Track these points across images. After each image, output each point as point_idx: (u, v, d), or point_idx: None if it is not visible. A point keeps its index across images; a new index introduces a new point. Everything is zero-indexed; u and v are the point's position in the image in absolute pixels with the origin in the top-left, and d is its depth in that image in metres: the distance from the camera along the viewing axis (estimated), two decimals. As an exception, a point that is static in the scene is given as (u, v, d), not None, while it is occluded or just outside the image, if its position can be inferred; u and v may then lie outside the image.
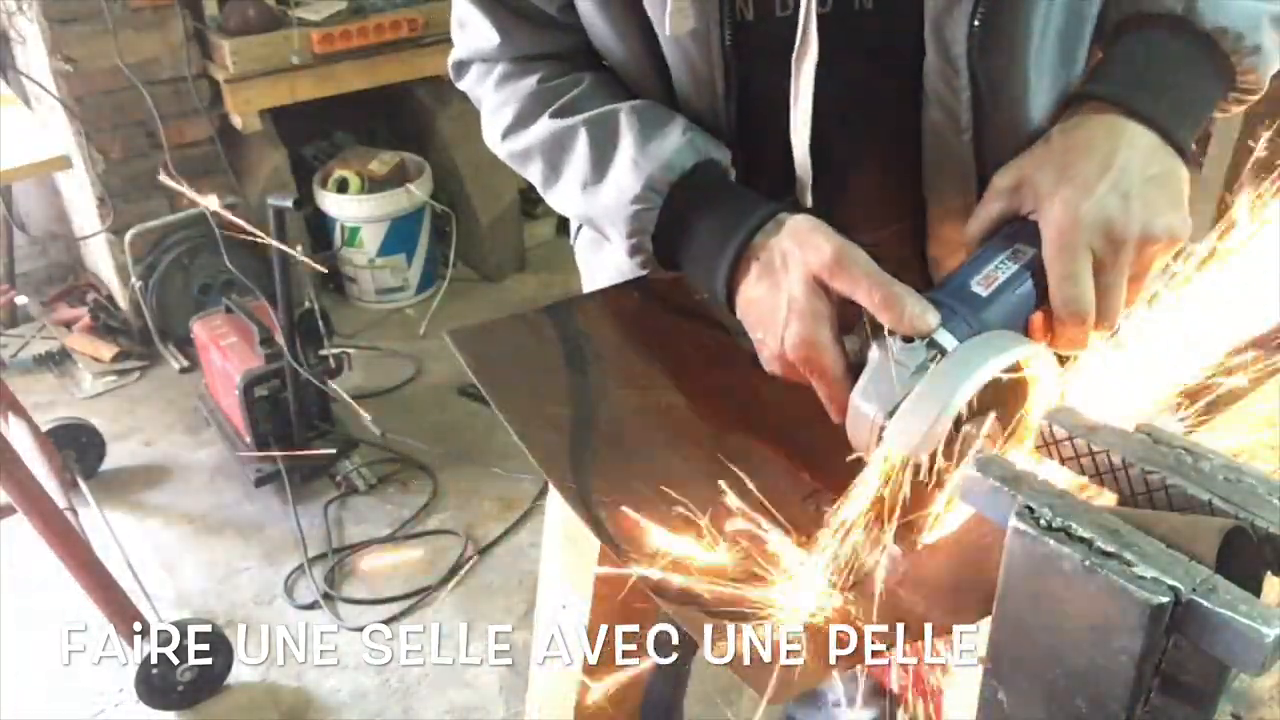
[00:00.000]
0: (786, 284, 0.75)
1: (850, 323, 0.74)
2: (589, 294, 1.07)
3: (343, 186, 3.20)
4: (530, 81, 0.94)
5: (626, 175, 0.84)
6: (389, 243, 3.25)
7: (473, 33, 0.97)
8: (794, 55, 0.80)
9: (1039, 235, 0.74)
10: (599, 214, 0.88)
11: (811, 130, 0.83)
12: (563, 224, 1.19)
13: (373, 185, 3.20)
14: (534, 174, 0.94)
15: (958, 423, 0.67)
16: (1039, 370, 0.69)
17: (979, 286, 0.72)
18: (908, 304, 0.69)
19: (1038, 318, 0.74)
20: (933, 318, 0.69)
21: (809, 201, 0.86)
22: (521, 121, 0.93)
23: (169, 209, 3.00)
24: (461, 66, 1.01)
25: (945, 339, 0.69)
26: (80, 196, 3.06)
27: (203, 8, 2.89)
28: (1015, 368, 0.68)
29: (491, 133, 0.98)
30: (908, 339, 0.69)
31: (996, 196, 0.78)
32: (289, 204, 2.29)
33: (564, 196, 0.92)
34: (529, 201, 3.58)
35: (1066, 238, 0.71)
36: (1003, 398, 0.69)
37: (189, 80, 2.90)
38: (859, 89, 0.85)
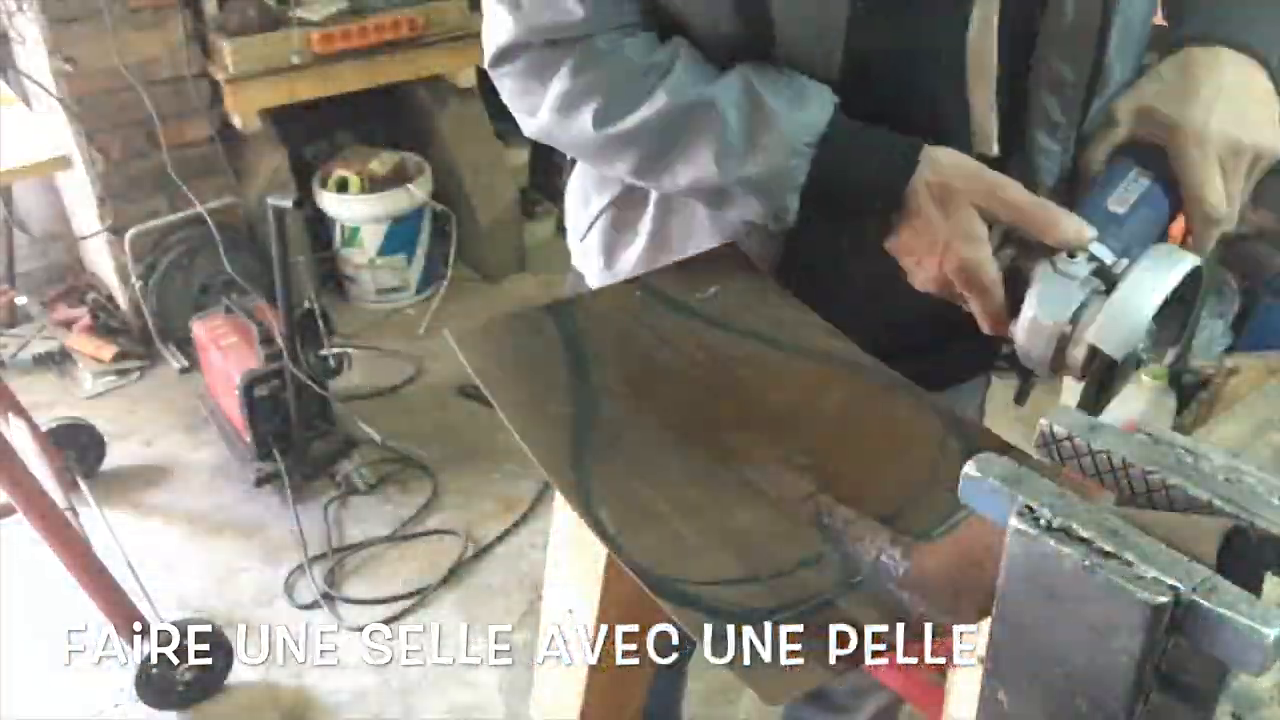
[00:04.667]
0: (947, 214, 0.82)
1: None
2: (589, 292, 1.07)
3: (343, 186, 3.19)
4: (622, 62, 0.90)
5: (776, 138, 0.86)
6: (389, 243, 3.25)
7: (540, 8, 0.90)
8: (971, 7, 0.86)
9: (1159, 156, 0.83)
10: (742, 181, 0.88)
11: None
12: (562, 224, 1.17)
13: (373, 185, 3.20)
14: (635, 156, 0.92)
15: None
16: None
17: (1116, 205, 0.82)
18: (1069, 222, 0.79)
19: (1177, 226, 0.84)
20: (1090, 232, 0.79)
21: (994, 150, 0.91)
22: (626, 103, 0.90)
23: (169, 209, 3.00)
24: (512, 51, 0.94)
25: (1102, 252, 0.79)
26: (80, 196, 3.05)
27: (203, 8, 2.89)
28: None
29: (568, 121, 0.93)
30: (1071, 254, 0.78)
31: (1118, 123, 0.86)
32: (289, 204, 2.29)
33: (684, 172, 0.90)
34: (529, 201, 3.57)
35: (1202, 151, 0.81)
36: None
37: (189, 80, 2.90)
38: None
